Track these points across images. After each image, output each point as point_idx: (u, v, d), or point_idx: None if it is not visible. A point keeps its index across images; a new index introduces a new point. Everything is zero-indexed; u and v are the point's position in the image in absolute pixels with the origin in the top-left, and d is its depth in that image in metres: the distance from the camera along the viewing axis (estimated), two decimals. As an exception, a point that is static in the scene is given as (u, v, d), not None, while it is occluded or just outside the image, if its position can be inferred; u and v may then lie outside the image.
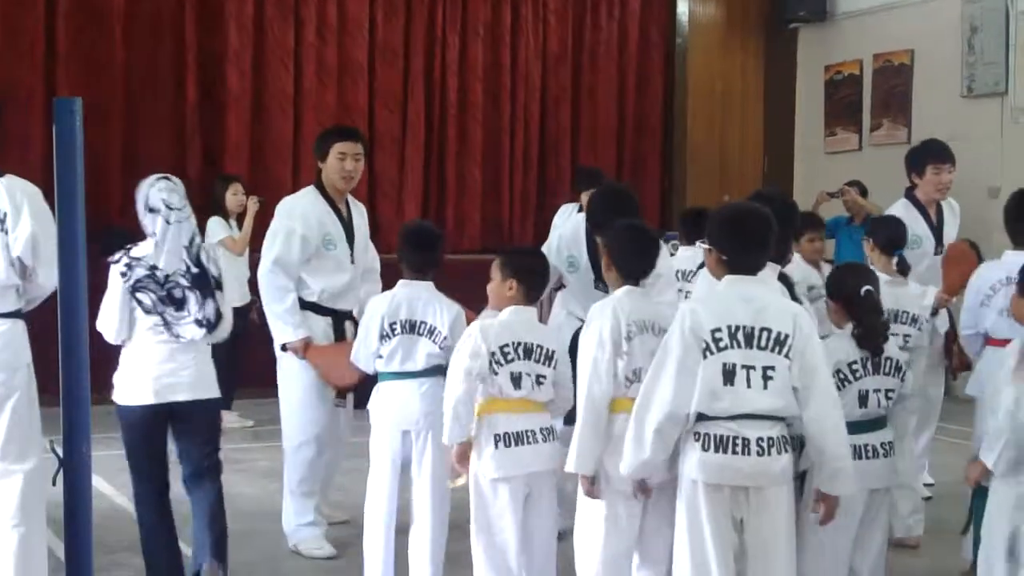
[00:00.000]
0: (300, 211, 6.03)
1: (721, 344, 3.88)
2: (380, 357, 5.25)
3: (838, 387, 4.25)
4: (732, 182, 14.10)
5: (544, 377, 4.73)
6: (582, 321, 5.74)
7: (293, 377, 6.08)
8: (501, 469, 4.65)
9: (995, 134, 11.53)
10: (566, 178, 12.89)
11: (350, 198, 6.27)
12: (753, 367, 3.88)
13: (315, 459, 6.12)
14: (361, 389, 5.84)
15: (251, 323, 8.92)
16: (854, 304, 4.54)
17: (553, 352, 4.76)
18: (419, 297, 5.22)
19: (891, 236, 6.13)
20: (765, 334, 3.91)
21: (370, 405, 5.36)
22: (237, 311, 9.11)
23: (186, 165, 11.45)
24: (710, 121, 14.06)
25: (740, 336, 3.89)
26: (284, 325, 5.96)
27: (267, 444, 8.58)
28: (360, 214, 6.32)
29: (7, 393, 4.70)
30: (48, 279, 4.65)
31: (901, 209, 7.08)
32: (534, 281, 4.83)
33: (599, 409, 4.39)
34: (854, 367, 4.49)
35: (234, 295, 9.01)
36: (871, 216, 9.07)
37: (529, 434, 4.68)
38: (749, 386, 3.86)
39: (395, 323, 5.20)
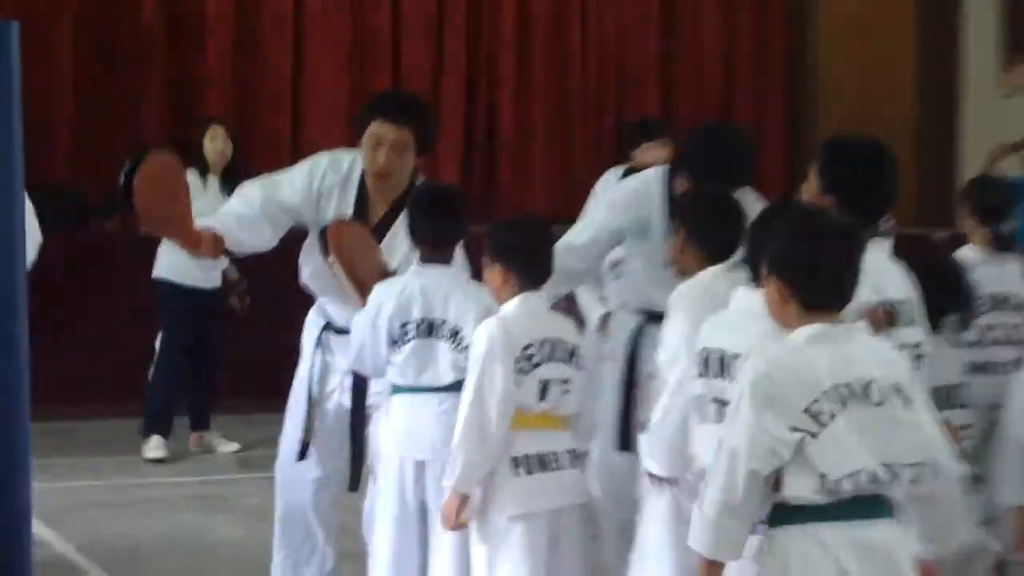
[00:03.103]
0: (330, 164, 5.88)
1: None
2: (391, 365, 5.26)
3: None
4: (878, 129, 13.84)
5: (569, 382, 4.79)
6: (647, 314, 5.72)
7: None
8: (521, 503, 4.69)
9: None
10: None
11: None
12: None
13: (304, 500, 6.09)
14: (353, 471, 5.78)
15: (230, 309, 9.04)
16: None
17: (575, 348, 4.83)
18: (438, 287, 5.17)
19: (991, 201, 6.14)
20: None
21: (378, 427, 5.38)
22: (210, 294, 9.26)
23: (141, 103, 11.47)
24: (848, 49, 13.94)
25: None
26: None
27: (257, 474, 8.59)
28: None
29: None
30: None
31: None
32: (526, 259, 4.84)
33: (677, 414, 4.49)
34: None
35: (199, 275, 9.13)
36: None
37: (553, 458, 4.74)
38: None
39: (407, 324, 5.18)
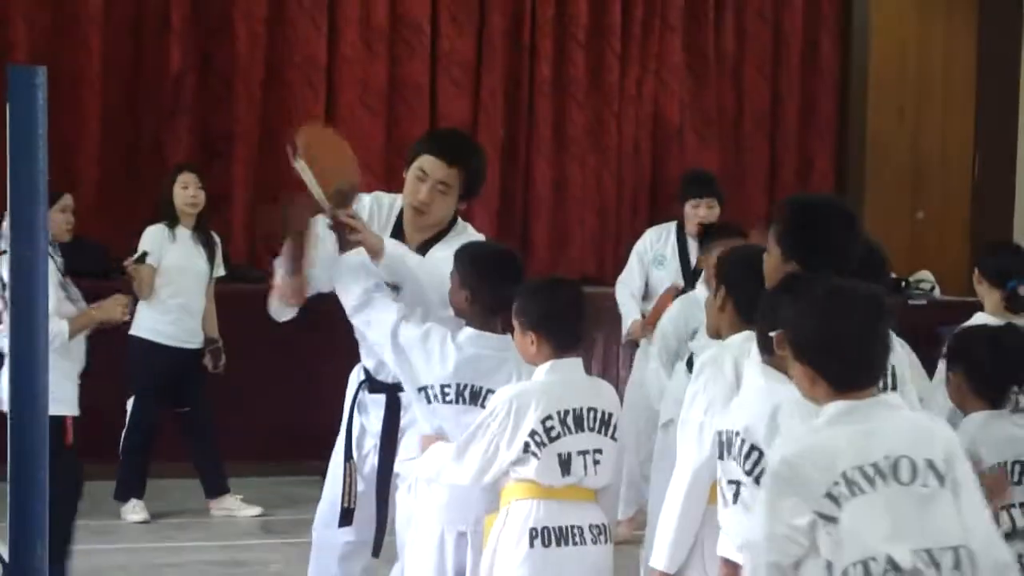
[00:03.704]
0: (373, 201, 5.85)
1: None
2: (436, 419, 5.24)
3: None
4: (931, 192, 13.92)
5: (601, 452, 4.79)
6: None
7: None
8: None
9: None
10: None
11: (459, 232, 5.78)
12: None
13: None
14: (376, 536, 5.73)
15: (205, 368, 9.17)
16: None
17: (610, 416, 4.83)
18: (490, 356, 5.17)
19: (1002, 264, 6.34)
20: None
21: (409, 496, 5.37)
22: (193, 353, 9.21)
23: (166, 150, 11.45)
24: (900, 107, 13.92)
25: None
26: None
27: (279, 539, 8.62)
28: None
29: None
30: None
31: None
32: (564, 327, 4.87)
33: (698, 486, 4.49)
34: None
35: (182, 335, 9.18)
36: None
37: (576, 532, 4.72)
38: None
39: (448, 386, 5.17)
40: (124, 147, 11.45)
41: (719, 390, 4.43)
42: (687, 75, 13.23)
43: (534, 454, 4.70)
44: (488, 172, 11.34)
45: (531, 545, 4.67)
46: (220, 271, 9.51)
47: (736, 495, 4.13)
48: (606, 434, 4.80)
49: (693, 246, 8.70)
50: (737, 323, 4.66)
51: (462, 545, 5.12)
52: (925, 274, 13.13)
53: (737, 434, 4.09)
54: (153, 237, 9.12)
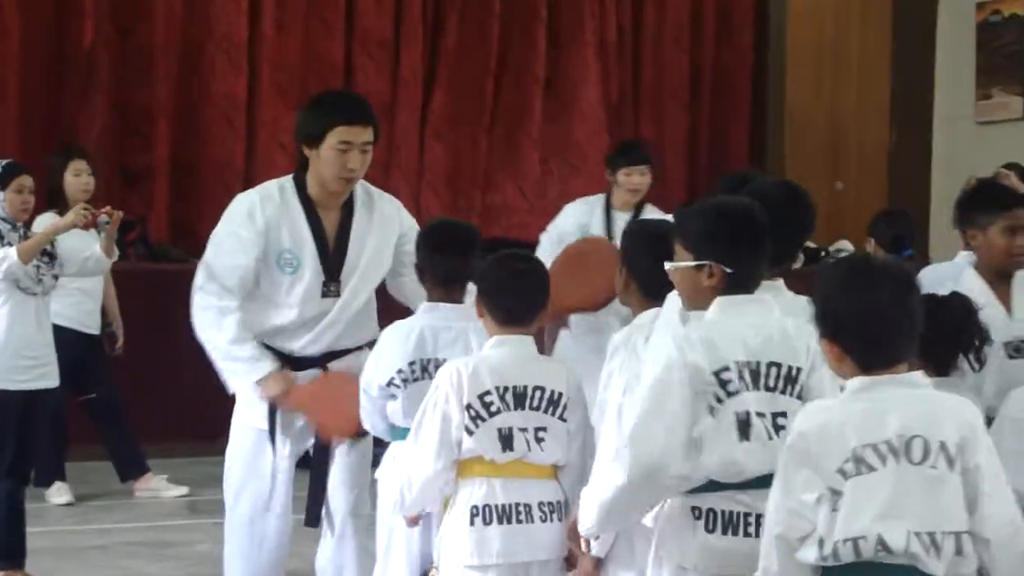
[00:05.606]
0: (248, 212, 5.79)
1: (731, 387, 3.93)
2: (393, 397, 5.21)
3: None
4: (848, 161, 14.02)
5: (545, 430, 4.72)
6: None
7: (236, 431, 6.00)
8: (478, 554, 4.64)
9: None
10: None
11: (364, 192, 5.91)
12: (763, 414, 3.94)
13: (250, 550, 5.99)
14: (312, 506, 5.76)
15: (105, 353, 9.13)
16: None
17: (559, 395, 4.76)
18: (448, 327, 5.18)
19: (896, 233, 6.39)
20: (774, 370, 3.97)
21: (380, 473, 5.33)
22: (97, 339, 9.13)
23: (77, 129, 11.36)
24: (817, 79, 14.02)
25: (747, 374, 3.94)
26: (235, 363, 5.83)
27: (208, 519, 8.56)
28: (376, 216, 5.91)
29: None
30: None
31: None
32: (502, 302, 4.78)
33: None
34: None
35: (84, 318, 9.05)
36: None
37: (522, 509, 4.67)
38: (771, 438, 3.90)
39: (414, 363, 5.17)
40: (42, 125, 11.34)
41: (635, 370, 4.39)
42: (606, 48, 13.27)
43: (468, 429, 4.63)
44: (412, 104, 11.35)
45: (471, 523, 4.62)
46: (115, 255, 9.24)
47: None
48: (553, 414, 4.73)
49: (620, 219, 8.47)
50: (643, 300, 4.61)
51: (428, 526, 5.07)
52: (845, 243, 13.24)
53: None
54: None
